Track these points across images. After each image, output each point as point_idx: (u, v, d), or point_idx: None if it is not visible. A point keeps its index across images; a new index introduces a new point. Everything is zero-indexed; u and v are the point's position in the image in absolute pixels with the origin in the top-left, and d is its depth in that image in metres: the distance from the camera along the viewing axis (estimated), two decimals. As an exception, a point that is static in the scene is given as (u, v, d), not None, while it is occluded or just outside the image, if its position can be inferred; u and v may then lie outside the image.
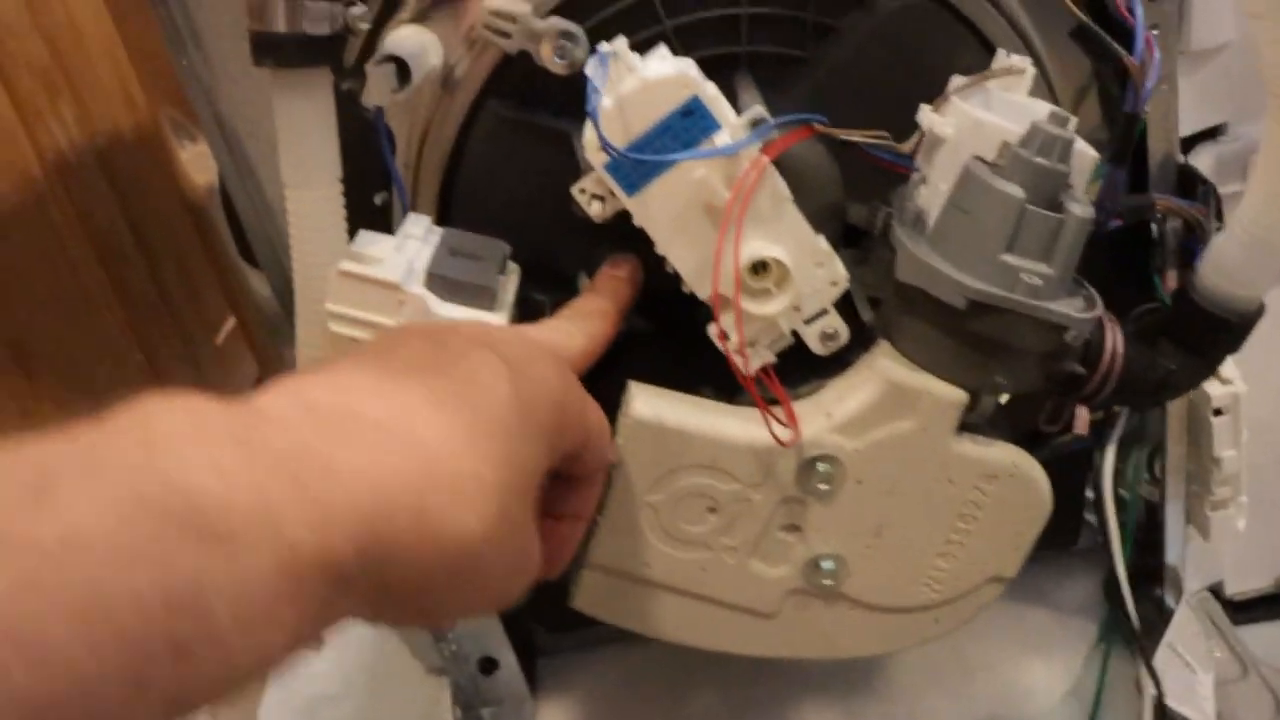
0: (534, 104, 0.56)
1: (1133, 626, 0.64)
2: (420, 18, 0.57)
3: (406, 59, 0.53)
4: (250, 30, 0.46)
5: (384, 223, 0.61)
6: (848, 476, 0.50)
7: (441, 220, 0.56)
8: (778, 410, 0.49)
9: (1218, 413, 0.65)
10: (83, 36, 0.95)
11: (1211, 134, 0.63)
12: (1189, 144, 0.62)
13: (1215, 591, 0.76)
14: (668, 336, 0.57)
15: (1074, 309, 0.47)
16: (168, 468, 0.29)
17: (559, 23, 0.53)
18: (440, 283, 0.50)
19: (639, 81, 0.46)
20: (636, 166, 0.47)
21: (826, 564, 0.53)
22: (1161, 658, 0.69)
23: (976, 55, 0.56)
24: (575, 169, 0.55)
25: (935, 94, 0.52)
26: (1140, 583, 0.77)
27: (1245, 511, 0.68)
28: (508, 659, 0.77)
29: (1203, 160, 0.62)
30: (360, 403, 0.35)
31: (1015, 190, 0.46)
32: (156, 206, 1.02)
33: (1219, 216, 0.59)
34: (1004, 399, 0.51)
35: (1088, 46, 0.57)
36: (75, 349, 0.88)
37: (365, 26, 0.48)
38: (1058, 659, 0.75)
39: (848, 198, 0.55)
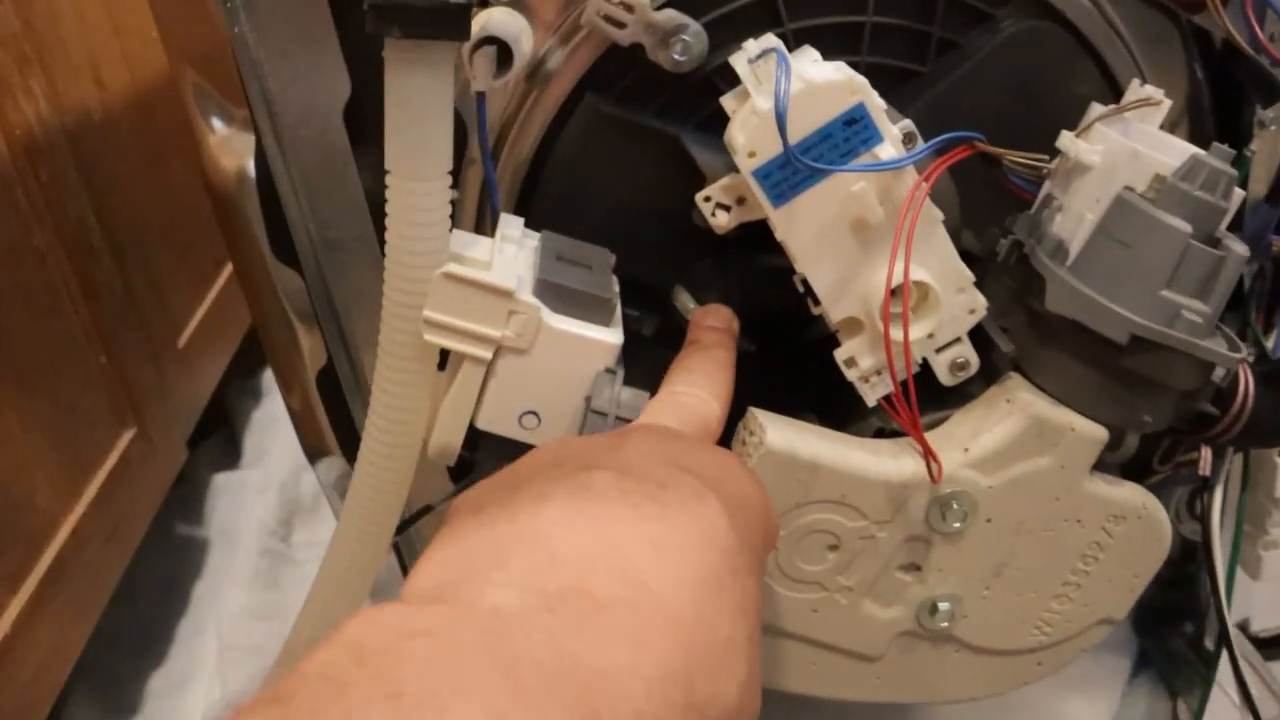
0: (634, 103, 0.52)
1: (1240, 673, 0.62)
2: (512, 2, 0.53)
3: (508, 41, 0.48)
4: (371, -7, 0.41)
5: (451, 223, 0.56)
6: (979, 515, 0.48)
7: (519, 225, 0.51)
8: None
9: (1282, 454, 0.65)
10: (58, 14, 0.87)
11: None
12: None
13: (1242, 628, 0.76)
14: (770, 358, 0.54)
15: (1222, 348, 0.46)
16: None
17: (678, 16, 0.49)
18: (552, 291, 0.46)
19: (804, 83, 0.42)
20: (789, 175, 0.43)
21: (943, 605, 0.50)
22: (1215, 697, 0.68)
23: (1094, 84, 0.55)
24: (680, 174, 0.51)
25: (1050, 119, 0.50)
26: (1169, 619, 0.77)
27: (1294, 552, 0.68)
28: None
29: (1284, 202, 0.61)
30: (590, 578, 0.31)
31: (1183, 225, 0.44)
32: (128, 198, 0.95)
33: (1311, 258, 0.58)
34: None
35: (1248, 81, 0.55)
36: (38, 346, 0.80)
37: (499, 2, 0.43)
38: (1097, 696, 0.74)
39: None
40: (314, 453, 0.70)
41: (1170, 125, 0.60)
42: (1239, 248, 0.45)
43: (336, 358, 0.61)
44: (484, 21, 0.49)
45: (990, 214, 0.53)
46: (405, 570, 0.71)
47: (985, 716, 0.72)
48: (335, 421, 0.65)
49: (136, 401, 0.92)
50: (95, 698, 0.87)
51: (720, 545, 0.33)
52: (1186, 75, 0.59)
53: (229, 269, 1.14)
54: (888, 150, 0.43)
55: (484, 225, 0.56)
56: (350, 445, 0.66)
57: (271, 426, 1.13)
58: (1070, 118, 0.50)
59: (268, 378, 1.21)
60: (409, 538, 0.69)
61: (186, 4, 0.63)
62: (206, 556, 1.00)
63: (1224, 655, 0.71)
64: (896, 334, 0.46)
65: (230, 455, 1.13)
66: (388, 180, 0.44)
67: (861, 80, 0.43)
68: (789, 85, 0.41)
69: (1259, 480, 0.67)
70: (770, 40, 0.44)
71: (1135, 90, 0.51)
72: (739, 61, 0.45)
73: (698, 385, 0.45)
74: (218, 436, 1.14)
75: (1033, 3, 0.53)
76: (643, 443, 0.38)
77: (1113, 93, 0.55)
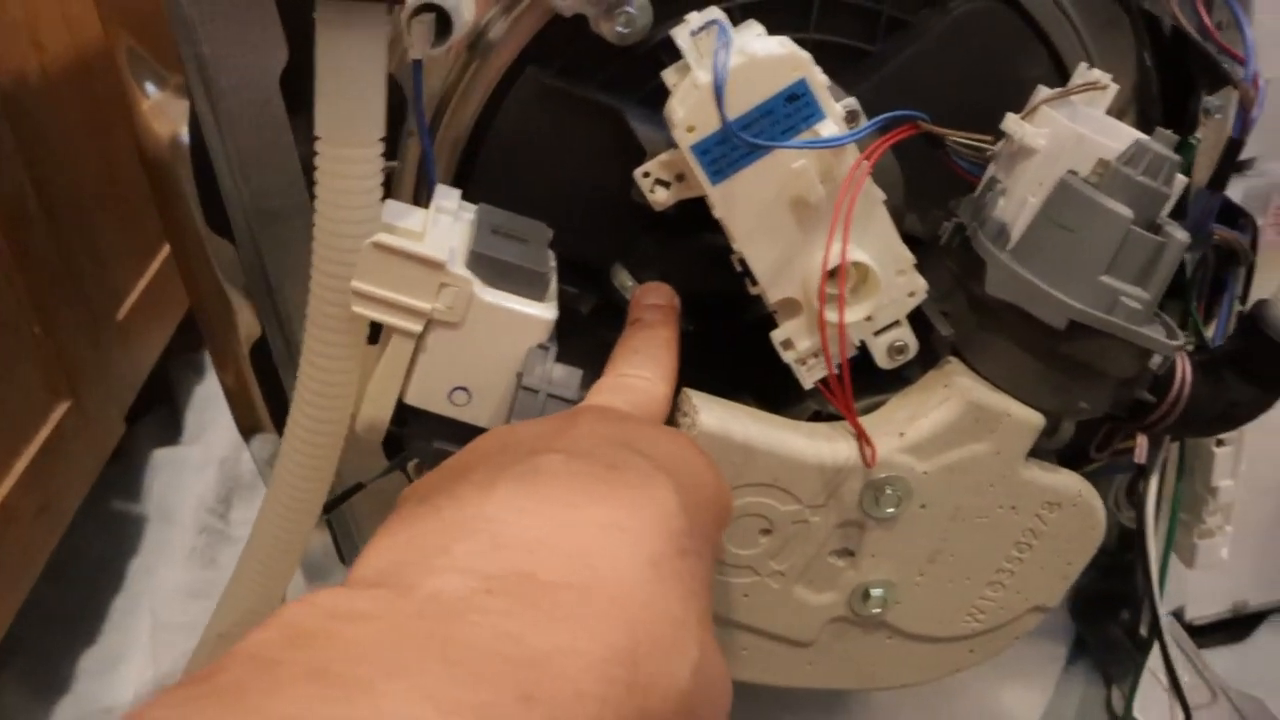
0: (577, 75, 0.51)
1: (1171, 663, 0.63)
2: (451, -30, 0.51)
3: (447, 9, 0.47)
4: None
5: (386, 194, 0.55)
6: (913, 500, 0.47)
7: (458, 197, 0.50)
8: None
9: (1220, 443, 0.65)
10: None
11: (1238, 167, 0.62)
12: (1221, 174, 0.62)
13: (1176, 616, 0.77)
14: (709, 338, 0.53)
15: (1161, 336, 0.45)
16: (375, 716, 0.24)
17: (622, -13, 0.48)
18: (486, 264, 0.45)
19: (745, 57, 0.41)
20: (729, 151, 0.42)
21: (876, 591, 0.49)
22: (1146, 683, 0.69)
23: (1043, 67, 0.54)
24: (621, 149, 0.50)
25: (998, 101, 0.49)
26: (1106, 607, 0.77)
27: (1229, 541, 0.68)
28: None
29: (1233, 193, 0.61)
30: (535, 561, 0.30)
31: (1124, 210, 0.43)
32: (67, 166, 0.92)
33: (1254, 249, 0.58)
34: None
35: (1195, 67, 0.55)
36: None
37: (436, -42, 0.42)
38: (1032, 682, 0.74)
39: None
40: (248, 429, 0.68)
41: (1118, 111, 0.60)
42: (1180, 234, 0.45)
43: (270, 331, 0.60)
44: (423, -12, 0.47)
45: (936, 196, 0.52)
46: (340, 551, 0.69)
47: (922, 702, 0.72)
48: (269, 397, 0.64)
49: (72, 374, 0.90)
50: (26, 676, 0.85)
51: (670, 527, 0.33)
52: (1135, 61, 0.59)
53: (172, 240, 1.12)
54: (829, 128, 0.42)
55: (423, 198, 0.55)
56: (283, 421, 0.64)
57: (214, 402, 1.11)
58: (1018, 100, 0.49)
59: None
60: (343, 517, 0.68)
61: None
62: (143, 533, 0.98)
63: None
64: (834, 316, 0.45)
65: (171, 431, 1.11)
66: (317, 147, 0.43)
67: (804, 55, 0.42)
68: (728, 58, 0.40)
69: (1195, 469, 0.67)
70: (713, 13, 0.44)
71: (1082, 73, 0.51)
72: (681, 34, 0.44)
73: (643, 367, 0.44)
74: (159, 412, 1.12)
75: (982, -17, 0.52)
76: (592, 424, 0.37)
77: (1061, 76, 0.54)
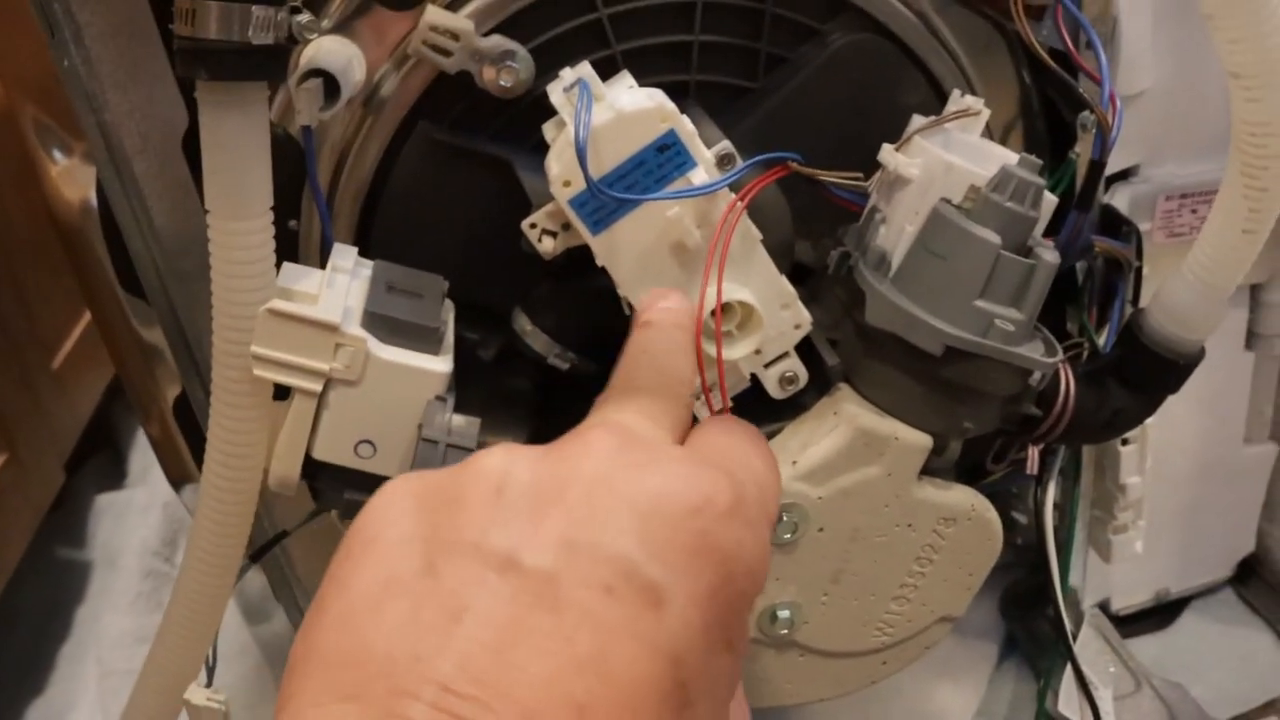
0: (469, 128, 0.53)
1: (1075, 657, 0.65)
2: (340, 28, 0.52)
3: (334, 73, 0.48)
4: (177, 36, 0.41)
5: (291, 252, 0.56)
6: (810, 525, 0.49)
7: (359, 251, 0.51)
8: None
9: (1125, 442, 0.67)
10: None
11: (1124, 175, 0.65)
12: (1106, 184, 0.64)
13: (1102, 607, 0.79)
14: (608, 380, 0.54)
15: (1039, 354, 0.47)
16: None
17: (503, 42, 0.50)
18: (380, 322, 0.46)
19: (613, 113, 0.43)
20: (605, 204, 0.44)
21: (783, 613, 0.51)
22: (1067, 676, 0.71)
23: (922, 93, 0.56)
24: (513, 198, 0.51)
25: (880, 130, 0.51)
26: (1034, 602, 0.79)
27: (1143, 534, 0.71)
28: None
29: (1118, 200, 0.63)
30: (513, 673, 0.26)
31: (992, 236, 0.45)
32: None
33: (1139, 255, 0.60)
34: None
35: (1057, 93, 0.57)
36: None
37: (312, 36, 0.43)
38: (965, 681, 0.76)
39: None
40: (177, 479, 0.69)
41: (1005, 129, 0.62)
42: (1049, 256, 0.47)
43: (190, 386, 0.61)
44: (312, 53, 0.49)
45: (829, 224, 0.54)
46: (275, 592, 0.70)
47: (856, 705, 0.73)
48: (195, 449, 0.64)
49: (7, 425, 0.90)
50: (-25, 730, 0.85)
51: (665, 690, 0.27)
52: (1016, 81, 0.61)
53: (107, 285, 1.12)
54: (700, 175, 0.44)
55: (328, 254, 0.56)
56: (209, 472, 0.65)
57: (157, 444, 1.12)
58: (900, 127, 0.51)
59: (154, 394, 1.19)
60: (277, 559, 0.69)
61: (22, 36, 0.61)
62: (89, 580, 0.98)
63: (1084, 635, 0.74)
64: (722, 351, 0.46)
65: (114, 475, 1.10)
66: (208, 220, 0.44)
67: (671, 107, 0.44)
68: (589, 119, 0.41)
69: (1105, 467, 0.69)
70: (584, 70, 0.45)
71: (955, 101, 0.52)
72: (554, 91, 0.46)
73: (660, 371, 0.37)
74: (102, 456, 1.12)
75: (859, 16, 0.54)
76: (599, 483, 0.30)
77: (940, 101, 0.56)
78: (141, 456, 1.12)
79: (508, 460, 0.31)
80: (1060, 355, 0.49)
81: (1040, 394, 0.51)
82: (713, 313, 0.45)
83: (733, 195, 0.45)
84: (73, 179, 0.60)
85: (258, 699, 0.80)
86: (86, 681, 0.88)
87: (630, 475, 0.30)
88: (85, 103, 0.53)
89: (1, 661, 0.88)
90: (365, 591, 0.28)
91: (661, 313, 0.39)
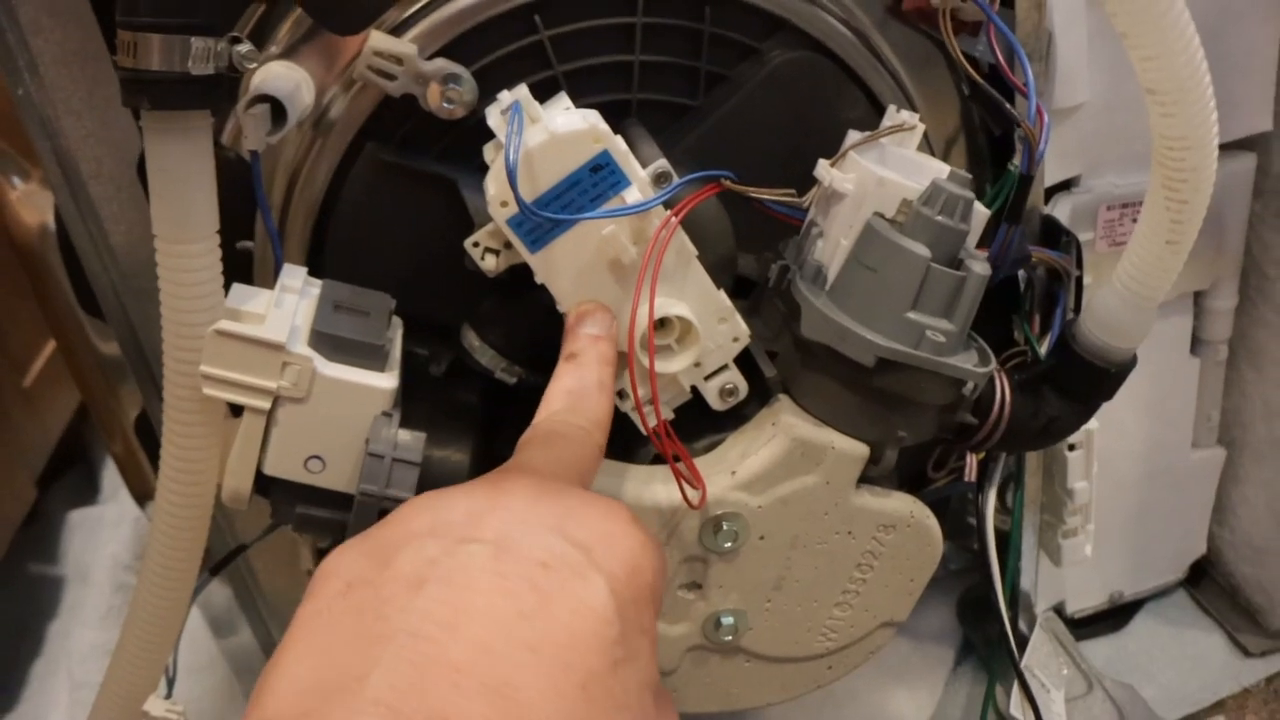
0: (416, 148, 0.54)
1: (1015, 656, 0.66)
2: (289, 53, 0.53)
3: (281, 99, 0.49)
4: (120, 68, 0.42)
5: (245, 271, 0.57)
6: (751, 533, 0.50)
7: (311, 269, 0.52)
8: (682, 469, 0.48)
9: (1071, 448, 0.68)
10: None
11: (1065, 185, 0.66)
12: (1047, 195, 0.65)
13: (1057, 611, 0.80)
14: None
15: (971, 363, 0.48)
16: None
17: (447, 65, 0.51)
18: (327, 341, 0.47)
19: (547, 135, 0.44)
20: (542, 223, 0.45)
21: (727, 620, 0.52)
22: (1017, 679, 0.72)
23: (861, 109, 0.57)
24: (460, 217, 0.53)
25: (820, 145, 0.52)
26: (989, 609, 0.81)
27: (1093, 538, 0.72)
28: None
29: (1060, 210, 0.65)
30: (457, 697, 0.29)
31: (921, 249, 0.46)
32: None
33: (1079, 265, 0.62)
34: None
35: (985, 109, 0.58)
36: None
37: (253, 66, 0.44)
38: (920, 686, 0.77)
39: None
40: (141, 496, 0.70)
41: (947, 142, 0.64)
42: (979, 267, 0.48)
43: (150, 404, 0.62)
44: (260, 79, 0.50)
45: (771, 238, 0.55)
46: (240, 604, 0.71)
47: (811, 710, 0.75)
48: (157, 465, 0.65)
49: (-22, 443, 0.91)
50: (-53, 746, 0.86)
51: (604, 638, 0.32)
52: (957, 96, 0.62)
53: (78, 303, 1.12)
54: (634, 194, 0.45)
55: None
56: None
57: (130, 459, 1.12)
58: (839, 143, 0.52)
59: (127, 409, 1.20)
60: (239, 571, 0.70)
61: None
62: (61, 595, 0.99)
63: (1036, 639, 0.75)
64: (659, 365, 0.48)
65: (86, 491, 1.11)
66: (156, 244, 0.45)
67: (604, 128, 0.45)
68: (520, 141, 0.43)
69: (1053, 473, 0.71)
70: (520, 92, 0.46)
71: (891, 116, 0.54)
72: (492, 114, 0.47)
73: (577, 412, 0.43)
74: (73, 473, 1.13)
75: (797, 35, 0.55)
76: (523, 503, 0.35)
77: (879, 115, 0.57)
78: (113, 473, 1.12)
79: (438, 499, 0.36)
80: (993, 365, 0.50)
81: (977, 402, 0.52)
82: (658, 324, 0.46)
83: (667, 212, 0.46)
84: (31, 203, 0.61)
85: (225, 711, 0.81)
86: (58, 695, 0.88)
87: (550, 499, 0.36)
88: (40, 129, 0.54)
89: (-27, 677, 0.89)
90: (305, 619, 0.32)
91: (587, 342, 0.46)
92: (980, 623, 0.81)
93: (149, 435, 0.64)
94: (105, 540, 1.02)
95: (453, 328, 0.55)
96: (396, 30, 0.51)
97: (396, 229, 0.54)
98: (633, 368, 0.46)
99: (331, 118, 0.53)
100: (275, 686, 0.30)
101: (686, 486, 0.47)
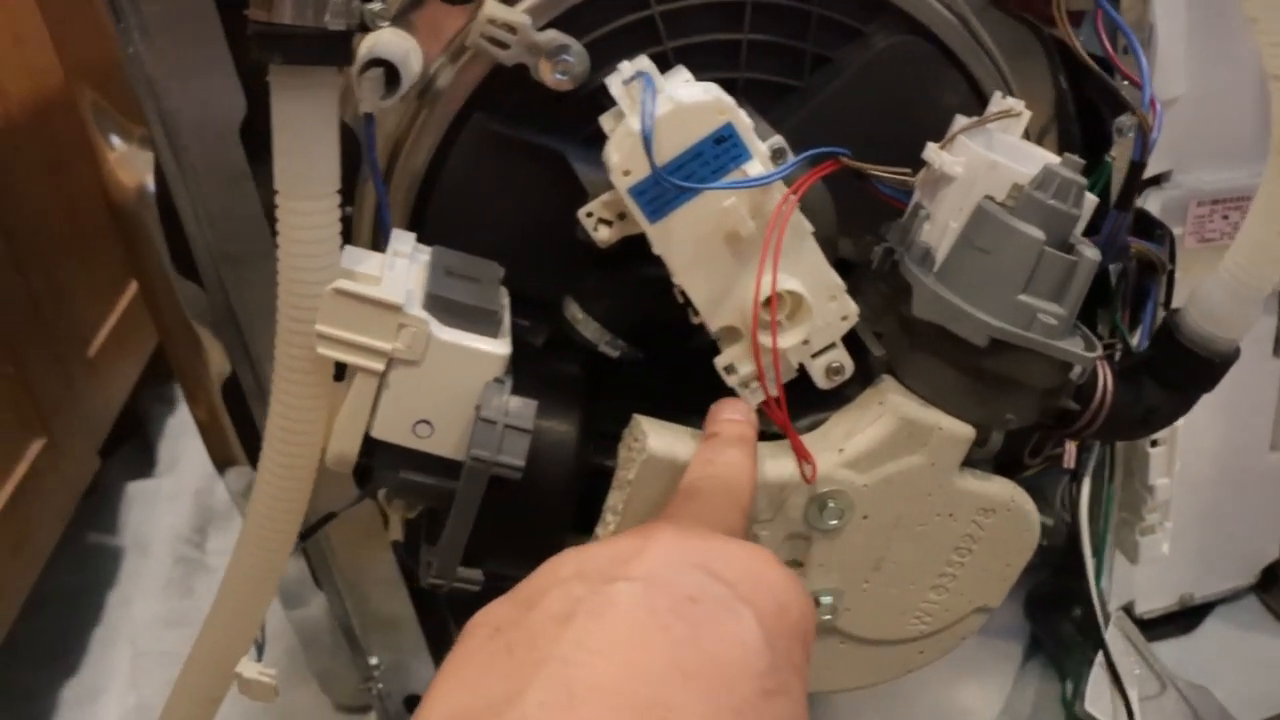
0: (523, 119, 0.54)
1: (1109, 653, 0.65)
2: (397, 21, 0.54)
3: (395, 63, 0.50)
4: (254, 20, 0.42)
5: (345, 237, 0.57)
6: (855, 512, 0.50)
7: (413, 238, 0.52)
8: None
9: (1154, 444, 0.68)
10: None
11: (1155, 180, 0.66)
12: (1139, 189, 0.65)
13: (1127, 611, 0.80)
14: (658, 366, 0.55)
15: (1079, 348, 0.48)
16: None
17: (559, 37, 0.51)
18: (441, 305, 0.47)
19: (673, 104, 0.44)
20: (663, 192, 0.45)
21: (825, 599, 0.52)
22: (1095, 677, 0.72)
23: (961, 95, 0.57)
24: (566, 189, 0.53)
25: (918, 129, 0.52)
26: (1059, 604, 0.80)
27: (1170, 536, 0.72)
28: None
29: (1149, 205, 0.65)
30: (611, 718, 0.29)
31: (1036, 232, 0.46)
32: (30, 207, 0.94)
33: (1172, 259, 0.61)
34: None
35: (1099, 97, 0.58)
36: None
37: (383, 25, 0.45)
38: (989, 681, 0.77)
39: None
40: (222, 462, 0.70)
41: (1040, 131, 0.63)
42: (1090, 253, 0.48)
43: (240, 369, 0.62)
44: (372, 44, 0.50)
45: (868, 221, 0.55)
46: (315, 576, 0.72)
47: (882, 702, 0.75)
48: (241, 431, 0.66)
49: (44, 412, 0.91)
50: (6, 709, 0.87)
51: (753, 668, 0.32)
52: (1052, 84, 0.62)
53: (140, 276, 1.13)
54: (756, 167, 0.45)
55: (380, 240, 0.57)
56: (256, 454, 0.66)
57: (185, 434, 1.13)
58: (939, 127, 0.52)
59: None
60: (317, 544, 0.70)
61: (82, 21, 0.63)
62: (119, 565, 1.00)
63: (1110, 636, 0.75)
64: (770, 341, 0.48)
65: (144, 463, 1.12)
66: (277, 200, 0.46)
67: (729, 100, 0.45)
68: (655, 109, 0.43)
69: (1133, 469, 0.70)
70: (642, 63, 0.46)
71: (997, 102, 0.54)
72: (614, 83, 0.47)
73: (718, 478, 0.44)
74: (131, 444, 1.13)
75: (901, 18, 0.55)
76: (669, 545, 0.36)
77: (979, 103, 0.57)
78: (170, 446, 1.13)
79: (583, 549, 0.37)
80: (1099, 351, 0.50)
81: (1078, 389, 0.52)
82: (767, 301, 0.46)
83: (785, 188, 0.46)
84: (129, 164, 0.61)
85: (287, 683, 0.81)
86: (118, 663, 0.89)
87: (695, 541, 0.37)
88: (147, 89, 0.54)
89: (35, 643, 0.90)
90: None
91: (725, 425, 0.48)
92: (1049, 619, 0.80)
93: (236, 400, 0.64)
94: (163, 513, 1.03)
95: (550, 300, 0.56)
96: (508, 2, 0.52)
97: (498, 200, 0.55)
98: (755, 340, 0.46)
99: (438, 87, 0.54)
100: (427, 710, 0.31)
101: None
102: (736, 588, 0.34)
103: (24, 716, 0.87)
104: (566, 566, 0.35)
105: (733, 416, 0.48)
